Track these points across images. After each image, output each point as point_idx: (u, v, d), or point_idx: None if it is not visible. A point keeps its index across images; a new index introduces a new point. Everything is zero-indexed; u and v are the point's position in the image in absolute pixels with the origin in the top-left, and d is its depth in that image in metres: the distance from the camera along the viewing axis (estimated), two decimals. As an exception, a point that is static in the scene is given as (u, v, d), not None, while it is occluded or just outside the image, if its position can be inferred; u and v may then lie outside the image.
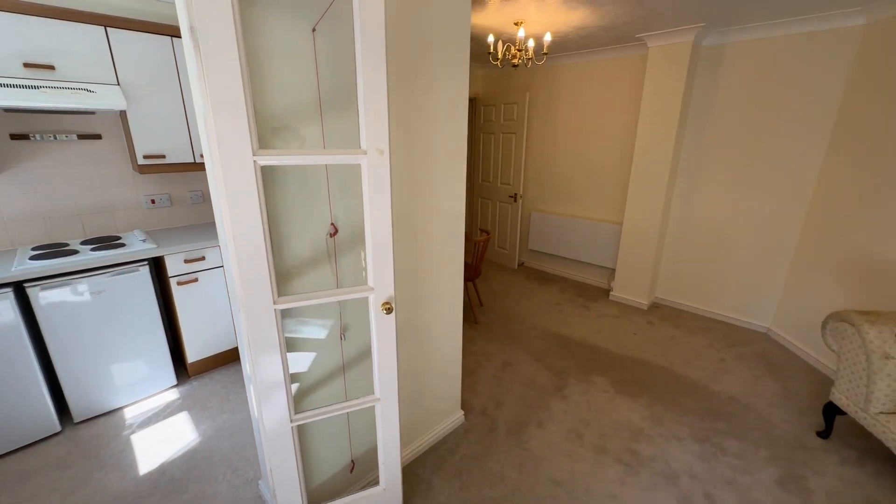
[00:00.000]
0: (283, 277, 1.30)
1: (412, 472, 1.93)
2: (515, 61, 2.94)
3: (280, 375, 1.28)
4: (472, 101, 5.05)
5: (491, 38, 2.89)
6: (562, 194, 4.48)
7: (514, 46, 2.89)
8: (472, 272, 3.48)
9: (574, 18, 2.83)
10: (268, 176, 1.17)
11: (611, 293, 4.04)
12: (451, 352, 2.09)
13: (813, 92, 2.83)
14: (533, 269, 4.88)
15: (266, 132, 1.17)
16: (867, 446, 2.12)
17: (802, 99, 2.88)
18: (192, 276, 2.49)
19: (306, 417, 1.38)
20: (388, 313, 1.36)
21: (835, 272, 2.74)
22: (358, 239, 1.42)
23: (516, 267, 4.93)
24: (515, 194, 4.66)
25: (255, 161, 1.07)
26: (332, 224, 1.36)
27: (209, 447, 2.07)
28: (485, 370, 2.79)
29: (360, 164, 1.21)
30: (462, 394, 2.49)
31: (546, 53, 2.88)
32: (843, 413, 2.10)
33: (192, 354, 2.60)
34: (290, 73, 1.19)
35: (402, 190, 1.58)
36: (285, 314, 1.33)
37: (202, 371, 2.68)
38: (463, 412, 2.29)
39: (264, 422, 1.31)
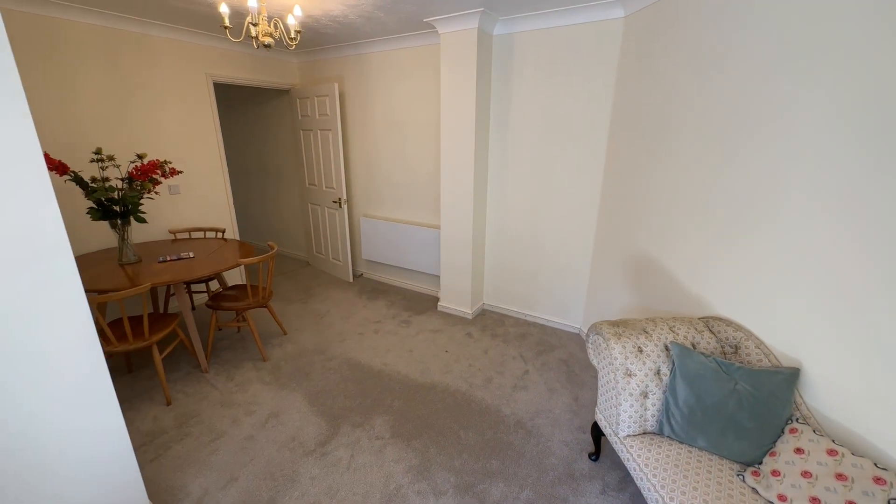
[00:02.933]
0: None
1: None
2: (265, 39, 2.38)
3: None
4: (288, 93, 4.39)
5: (224, 9, 2.27)
6: (387, 197, 4.06)
7: (250, 20, 2.32)
8: (262, 295, 2.86)
9: (330, -9, 2.35)
10: None
11: (438, 303, 3.72)
12: (108, 433, 1.46)
13: (595, 85, 2.73)
14: (369, 281, 4.40)
15: None
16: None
17: (584, 95, 2.78)
18: None
19: None
20: None
21: (621, 271, 2.68)
22: None
23: (352, 280, 4.40)
24: (339, 199, 4.12)
25: None
26: None
27: None
28: (238, 430, 2.19)
29: None
30: (177, 476, 1.87)
31: (300, 32, 2.37)
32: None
33: None
34: None
35: None
36: None
37: None
38: (159, 511, 1.68)
39: None
